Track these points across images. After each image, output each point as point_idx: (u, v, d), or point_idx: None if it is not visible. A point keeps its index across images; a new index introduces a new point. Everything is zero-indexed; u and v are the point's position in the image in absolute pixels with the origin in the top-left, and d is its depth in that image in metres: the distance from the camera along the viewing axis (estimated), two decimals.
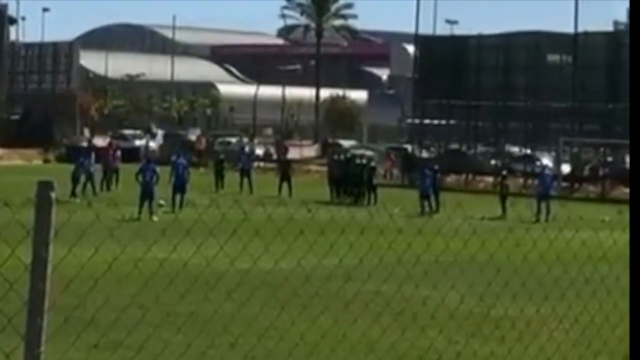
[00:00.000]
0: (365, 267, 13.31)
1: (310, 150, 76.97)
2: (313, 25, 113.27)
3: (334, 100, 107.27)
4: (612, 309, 12.94)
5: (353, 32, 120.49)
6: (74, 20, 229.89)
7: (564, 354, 11.98)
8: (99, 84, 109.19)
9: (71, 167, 42.36)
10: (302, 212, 27.42)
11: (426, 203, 37.32)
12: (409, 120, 73.05)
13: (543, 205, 33.98)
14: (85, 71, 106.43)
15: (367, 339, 12.58)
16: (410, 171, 53.75)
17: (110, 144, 51.21)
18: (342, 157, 47.95)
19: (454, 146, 61.53)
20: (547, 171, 40.07)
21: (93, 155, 43.44)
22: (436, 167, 41.50)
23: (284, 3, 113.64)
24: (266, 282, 14.92)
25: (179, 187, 35.62)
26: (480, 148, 60.26)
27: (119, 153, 47.76)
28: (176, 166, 36.62)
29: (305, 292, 14.56)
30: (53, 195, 4.61)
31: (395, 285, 13.67)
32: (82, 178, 40.34)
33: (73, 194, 37.97)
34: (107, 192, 41.34)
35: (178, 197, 35.24)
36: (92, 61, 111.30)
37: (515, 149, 58.18)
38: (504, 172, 40.40)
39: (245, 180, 45.98)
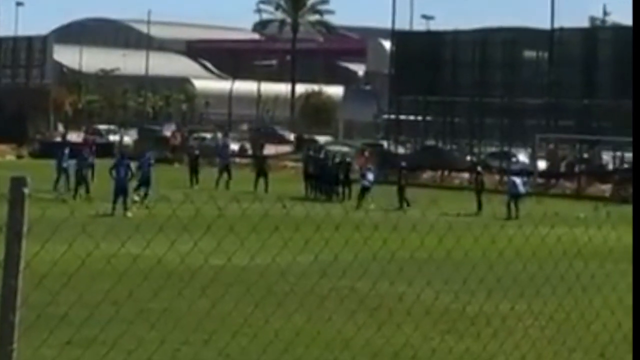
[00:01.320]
0: (340, 263, 13.25)
1: (285, 146, 76.81)
2: (289, 20, 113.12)
3: (309, 95, 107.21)
4: (587, 306, 12.95)
5: (329, 27, 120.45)
6: (48, 15, 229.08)
7: (539, 350, 11.97)
8: (73, 79, 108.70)
9: (45, 162, 42.11)
10: (278, 208, 27.41)
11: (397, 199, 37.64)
12: (385, 116, 73.06)
13: (514, 203, 34.17)
14: (59, 66, 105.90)
15: (342, 335, 12.53)
16: (385, 167, 53.74)
17: (86, 140, 51.10)
18: (317, 153, 47.83)
19: (430, 142, 61.54)
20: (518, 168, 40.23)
21: (90, 150, 43.62)
22: (403, 163, 41.39)
23: None
24: (241, 279, 14.84)
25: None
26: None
27: (93, 148, 47.71)
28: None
29: (280, 289, 14.50)
30: (26, 191, 4.56)
31: (371, 282, 13.63)
32: (71, 173, 40.48)
33: (76, 191, 38.31)
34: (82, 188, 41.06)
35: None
36: (66, 56, 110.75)
37: (492, 148, 58.21)
38: (479, 169, 40.39)
39: (225, 175, 45.88)
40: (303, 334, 12.22)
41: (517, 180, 37.15)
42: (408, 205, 36.46)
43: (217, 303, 12.68)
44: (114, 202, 31.57)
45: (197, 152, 49.95)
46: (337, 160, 42.04)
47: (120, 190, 32.36)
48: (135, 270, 13.97)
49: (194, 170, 46.87)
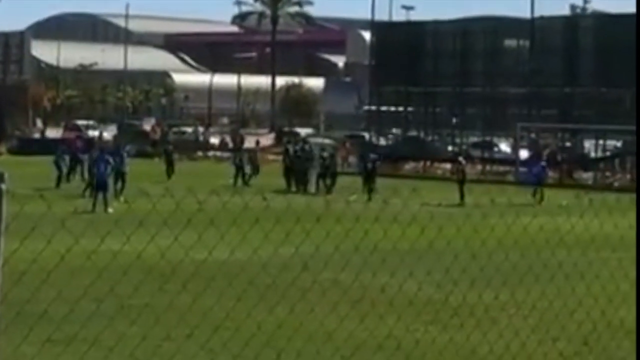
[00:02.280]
0: (321, 255, 13.18)
1: (266, 139, 76.66)
2: (268, 12, 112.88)
3: (290, 88, 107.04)
4: (570, 294, 12.91)
5: (308, 19, 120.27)
6: (25, 10, 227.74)
7: (522, 340, 11.91)
8: (52, 74, 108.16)
9: (24, 159, 41.91)
10: (258, 200, 27.28)
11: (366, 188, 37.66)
12: (366, 108, 72.95)
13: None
14: (37, 61, 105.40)
15: (325, 327, 12.47)
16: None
17: (78, 136, 51.10)
18: (297, 146, 47.54)
19: (412, 133, 61.45)
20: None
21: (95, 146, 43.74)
22: (373, 155, 41.37)
23: None
24: (222, 272, 14.75)
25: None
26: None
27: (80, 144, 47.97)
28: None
29: (261, 282, 14.41)
30: (4, 187, 4.48)
31: (353, 273, 13.57)
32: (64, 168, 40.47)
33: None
34: (68, 183, 40.83)
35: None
36: (44, 51, 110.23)
37: (474, 138, 58.14)
38: (461, 159, 40.35)
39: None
40: (285, 327, 12.15)
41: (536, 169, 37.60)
42: (369, 197, 36.22)
43: (199, 297, 12.59)
44: (95, 197, 31.36)
45: (170, 147, 50.58)
46: (324, 154, 41.57)
47: (101, 186, 32.14)
48: (115, 265, 13.88)
49: (169, 164, 47.28)
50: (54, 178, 39.49)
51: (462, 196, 35.84)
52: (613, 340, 12.60)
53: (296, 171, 41.74)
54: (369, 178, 38.62)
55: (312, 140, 59.70)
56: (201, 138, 72.83)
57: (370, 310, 12.81)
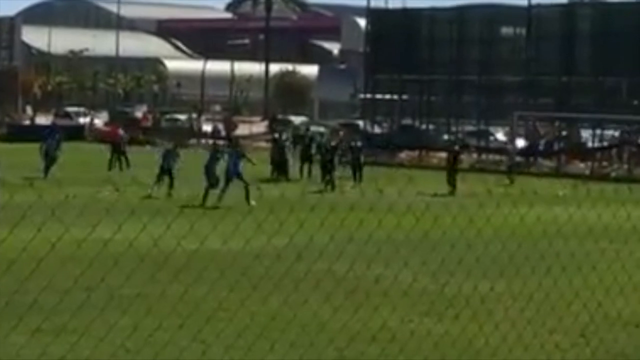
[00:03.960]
0: (315, 245, 13.02)
1: (259, 127, 76.47)
2: None
3: (283, 75, 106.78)
4: (567, 286, 12.77)
5: (303, 5, 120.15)
6: None
7: (519, 331, 11.78)
8: (42, 61, 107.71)
9: (13, 147, 41.68)
10: (251, 190, 27.11)
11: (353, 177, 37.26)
12: (361, 96, 72.67)
13: None
14: (27, 47, 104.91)
15: (319, 318, 12.31)
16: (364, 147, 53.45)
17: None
18: (286, 134, 46.99)
19: (407, 121, 61.22)
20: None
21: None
22: (359, 143, 40.65)
23: None
24: (215, 262, 14.59)
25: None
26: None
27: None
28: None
29: (254, 272, 14.25)
30: None
31: (347, 264, 13.40)
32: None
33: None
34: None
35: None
36: (34, 37, 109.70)
37: (470, 127, 57.88)
38: (456, 147, 39.96)
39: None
40: (279, 318, 12.01)
41: None
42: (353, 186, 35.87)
43: (191, 287, 12.42)
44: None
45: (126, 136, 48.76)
46: (331, 145, 40.32)
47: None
48: (106, 255, 13.69)
49: (119, 153, 45.01)
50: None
51: (452, 185, 35.14)
52: (610, 332, 12.48)
53: (277, 159, 40.91)
54: (354, 167, 38.04)
55: (312, 129, 59.37)
56: (194, 125, 72.58)
57: (365, 301, 12.67)
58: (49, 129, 46.12)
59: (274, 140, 43.91)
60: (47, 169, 37.28)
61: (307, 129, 51.59)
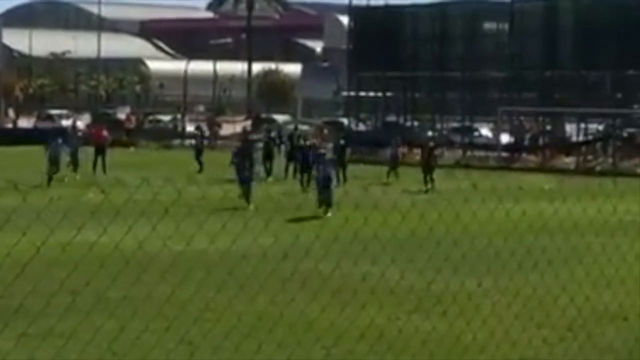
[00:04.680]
0: (301, 244, 12.98)
1: (242, 126, 76.32)
2: None
3: (266, 74, 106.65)
4: (553, 280, 12.78)
5: (285, 4, 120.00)
6: None
7: (506, 326, 11.77)
8: (23, 63, 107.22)
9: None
10: (236, 189, 27.04)
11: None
12: (345, 93, 72.61)
13: None
14: (8, 50, 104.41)
15: (306, 318, 12.29)
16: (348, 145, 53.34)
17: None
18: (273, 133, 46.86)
19: (391, 118, 61.17)
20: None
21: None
22: (342, 142, 40.34)
23: None
24: (201, 263, 14.55)
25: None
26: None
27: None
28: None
29: (241, 272, 14.21)
30: None
31: (333, 262, 13.37)
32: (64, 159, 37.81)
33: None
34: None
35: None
36: (15, 39, 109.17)
37: (454, 123, 57.81)
38: (431, 144, 39.26)
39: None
40: (266, 317, 11.97)
41: None
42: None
43: (177, 288, 12.37)
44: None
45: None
46: (307, 142, 40.02)
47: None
48: (92, 257, 13.64)
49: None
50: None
51: (427, 182, 34.45)
52: (598, 326, 12.49)
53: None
54: (339, 165, 37.53)
55: (290, 127, 59.24)
56: (179, 126, 72.42)
57: (352, 299, 12.63)
58: (55, 133, 42.42)
59: (268, 138, 43.66)
60: (54, 175, 35.30)
61: (296, 128, 51.33)
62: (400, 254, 14.49)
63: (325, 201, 23.43)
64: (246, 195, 25.78)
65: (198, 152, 44.51)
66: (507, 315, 12.40)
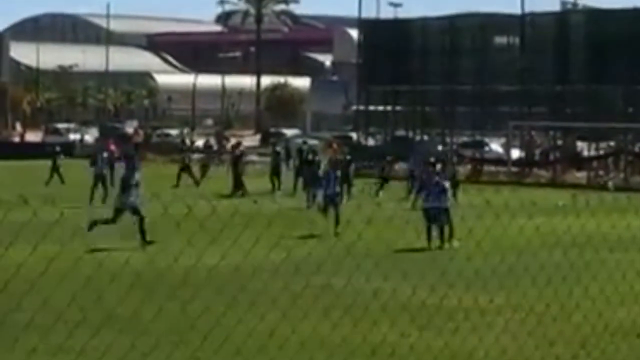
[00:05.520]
0: (313, 259, 12.89)
1: (251, 141, 76.40)
2: (252, 10, 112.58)
3: (275, 88, 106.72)
4: (567, 296, 12.66)
5: (294, 17, 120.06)
6: (4, 11, 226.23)
7: (519, 344, 11.66)
8: (31, 77, 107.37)
9: (3, 164, 41.27)
10: (248, 204, 26.95)
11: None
12: (354, 107, 72.58)
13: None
14: (16, 63, 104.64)
15: (317, 334, 12.19)
16: (355, 159, 53.22)
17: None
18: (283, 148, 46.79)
19: (401, 133, 61.04)
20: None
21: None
22: (348, 157, 39.99)
23: None
24: (211, 278, 14.45)
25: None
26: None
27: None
28: None
29: (252, 287, 14.12)
30: None
31: (345, 278, 13.27)
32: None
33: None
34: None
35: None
36: (23, 53, 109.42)
37: (464, 138, 57.57)
38: (431, 159, 38.36)
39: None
40: (277, 334, 11.86)
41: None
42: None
43: (188, 304, 12.29)
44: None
45: (58, 148, 46.19)
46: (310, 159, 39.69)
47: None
48: (102, 273, 13.56)
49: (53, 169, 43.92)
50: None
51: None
52: (612, 343, 12.37)
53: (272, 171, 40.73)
54: (344, 180, 36.88)
55: (298, 141, 59.14)
56: (187, 141, 72.44)
57: (363, 315, 12.53)
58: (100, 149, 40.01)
59: (275, 153, 43.57)
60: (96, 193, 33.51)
61: (305, 142, 51.22)
62: (412, 269, 14.39)
63: (335, 218, 22.51)
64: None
65: (203, 168, 44.41)
66: (520, 332, 12.29)
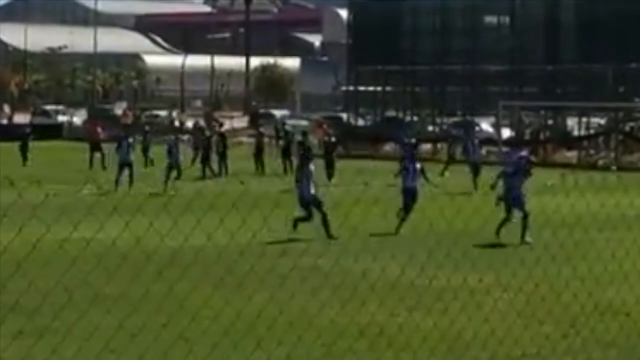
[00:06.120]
0: (301, 240, 12.82)
1: (240, 122, 76.19)
2: None
3: (264, 68, 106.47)
4: (556, 276, 12.63)
5: None
6: None
7: (509, 323, 11.62)
8: (19, 58, 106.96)
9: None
10: (235, 185, 26.85)
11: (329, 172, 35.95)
12: (344, 88, 72.40)
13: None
14: (4, 45, 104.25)
15: (306, 314, 12.14)
16: (345, 140, 53.12)
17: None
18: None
19: (391, 113, 60.93)
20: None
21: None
22: (332, 139, 39.78)
23: None
24: (198, 259, 14.38)
25: None
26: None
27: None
28: None
29: (239, 269, 14.05)
30: None
31: (333, 258, 13.22)
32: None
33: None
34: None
35: None
36: (11, 35, 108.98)
37: (455, 118, 57.46)
38: (412, 140, 37.90)
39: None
40: (265, 315, 11.81)
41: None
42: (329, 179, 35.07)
43: (175, 285, 12.21)
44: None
45: (28, 129, 46.57)
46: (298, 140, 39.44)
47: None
48: (88, 254, 13.48)
49: (23, 149, 43.83)
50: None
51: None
52: (601, 322, 12.33)
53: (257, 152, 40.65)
54: (327, 162, 36.67)
55: (288, 122, 59.00)
56: (176, 122, 72.25)
57: (352, 295, 12.48)
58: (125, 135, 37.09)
59: (260, 135, 43.49)
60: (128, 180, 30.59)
61: (283, 124, 50.92)
62: (400, 249, 14.34)
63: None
64: None
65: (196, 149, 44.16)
66: (509, 312, 12.25)
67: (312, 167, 19.39)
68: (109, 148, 39.45)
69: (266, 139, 44.83)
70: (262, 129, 45.59)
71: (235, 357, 10.22)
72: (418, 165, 21.24)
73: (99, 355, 10.54)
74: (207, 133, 42.93)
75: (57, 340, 10.29)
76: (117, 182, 29.85)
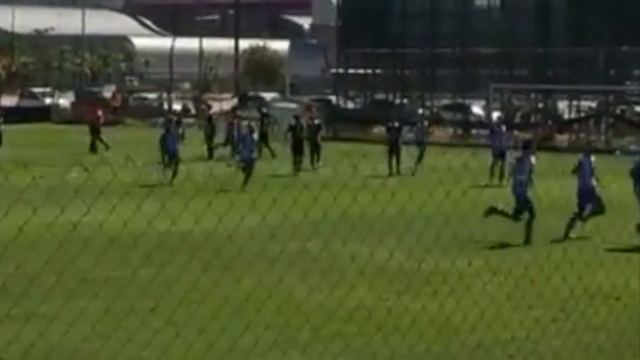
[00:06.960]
0: (289, 224, 12.76)
1: (230, 104, 75.94)
2: None
3: (254, 51, 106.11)
4: (546, 259, 12.58)
5: None
6: None
7: (498, 307, 11.58)
8: (6, 40, 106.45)
9: None
10: (222, 168, 26.79)
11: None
12: (333, 71, 72.21)
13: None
14: None
15: (294, 298, 12.09)
16: (334, 123, 53.01)
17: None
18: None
19: (380, 96, 60.75)
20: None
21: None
22: (317, 121, 39.46)
23: None
24: (186, 243, 14.31)
25: None
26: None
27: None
28: None
29: (227, 252, 13.98)
30: None
31: (322, 242, 13.16)
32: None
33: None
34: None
35: None
36: None
37: (445, 101, 57.28)
38: (396, 124, 37.60)
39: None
40: (253, 298, 11.76)
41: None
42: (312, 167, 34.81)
43: (163, 269, 12.16)
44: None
45: None
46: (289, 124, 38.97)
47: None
48: (75, 237, 13.39)
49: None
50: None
51: (391, 168, 32.97)
52: (591, 305, 12.31)
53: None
54: (311, 145, 36.32)
55: (277, 104, 58.87)
56: (165, 105, 72.07)
57: (340, 279, 12.43)
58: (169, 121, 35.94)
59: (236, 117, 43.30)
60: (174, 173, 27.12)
61: (259, 108, 50.37)
62: (389, 233, 14.27)
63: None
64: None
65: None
66: (498, 295, 12.22)
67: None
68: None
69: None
70: (239, 112, 45.37)
71: (223, 341, 10.16)
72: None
73: (86, 339, 10.49)
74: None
75: (45, 324, 10.22)
76: (174, 174, 25.57)
